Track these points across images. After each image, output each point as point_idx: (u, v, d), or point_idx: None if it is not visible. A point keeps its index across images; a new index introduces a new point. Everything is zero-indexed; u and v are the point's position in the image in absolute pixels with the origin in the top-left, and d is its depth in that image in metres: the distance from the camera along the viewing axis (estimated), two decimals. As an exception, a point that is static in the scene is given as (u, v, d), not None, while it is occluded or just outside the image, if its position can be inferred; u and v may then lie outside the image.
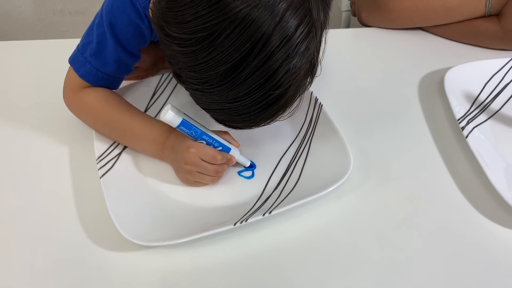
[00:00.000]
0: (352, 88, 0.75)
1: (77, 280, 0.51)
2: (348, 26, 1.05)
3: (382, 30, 0.86)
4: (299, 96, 0.50)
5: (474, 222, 0.57)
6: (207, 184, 0.60)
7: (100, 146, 0.61)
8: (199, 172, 0.58)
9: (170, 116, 0.53)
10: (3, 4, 1.39)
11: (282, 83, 0.45)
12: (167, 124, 0.55)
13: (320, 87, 0.68)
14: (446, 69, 0.73)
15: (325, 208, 0.58)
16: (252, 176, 0.61)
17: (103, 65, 0.60)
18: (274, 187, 0.60)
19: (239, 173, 0.62)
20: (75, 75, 0.61)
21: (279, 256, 0.53)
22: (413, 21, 0.85)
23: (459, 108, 0.68)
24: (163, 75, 0.73)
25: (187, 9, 0.43)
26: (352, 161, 0.58)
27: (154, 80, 0.73)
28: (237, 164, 0.61)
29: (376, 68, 0.79)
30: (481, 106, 0.69)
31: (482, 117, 0.68)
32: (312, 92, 0.68)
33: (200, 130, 0.56)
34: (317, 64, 0.49)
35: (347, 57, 0.83)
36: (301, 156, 0.63)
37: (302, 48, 0.45)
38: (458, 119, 0.65)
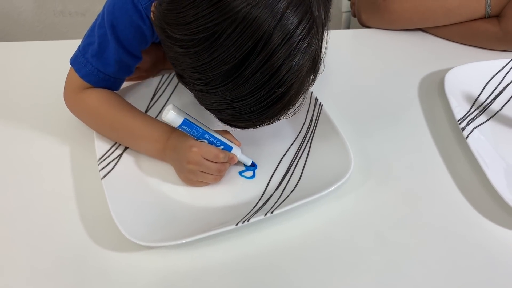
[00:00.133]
0: (352, 88, 0.75)
1: (78, 280, 0.51)
2: (348, 27, 1.05)
3: (382, 31, 0.87)
4: (302, 94, 0.50)
5: (474, 222, 0.57)
6: (209, 183, 0.60)
7: (101, 147, 0.62)
8: (202, 172, 0.58)
9: (172, 115, 0.53)
10: (4, 5, 1.39)
11: (285, 81, 0.45)
12: (168, 125, 0.55)
13: (320, 87, 0.69)
14: (446, 70, 0.73)
15: (325, 208, 0.58)
16: (253, 176, 0.62)
17: (104, 66, 0.60)
18: (275, 187, 0.60)
19: (240, 173, 0.62)
20: (76, 76, 0.61)
21: (280, 256, 0.53)
22: (413, 22, 0.85)
23: (459, 109, 0.68)
24: (163, 76, 0.73)
25: (188, 10, 0.43)
26: (353, 161, 0.58)
27: (154, 81, 0.73)
28: (238, 163, 0.61)
29: (376, 69, 0.79)
30: (481, 107, 0.70)
31: (482, 118, 0.68)
32: (312, 92, 0.68)
33: (202, 129, 0.56)
34: (320, 62, 0.50)
35: (347, 58, 0.83)
36: (302, 156, 0.63)
37: (304, 46, 0.45)
38: (458, 120, 0.66)
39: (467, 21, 0.81)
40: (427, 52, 0.82)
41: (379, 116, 0.70)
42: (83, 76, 0.61)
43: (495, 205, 0.58)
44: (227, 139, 0.59)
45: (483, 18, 0.81)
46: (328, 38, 0.50)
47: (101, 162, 0.60)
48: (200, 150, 0.56)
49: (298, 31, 0.44)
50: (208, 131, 0.57)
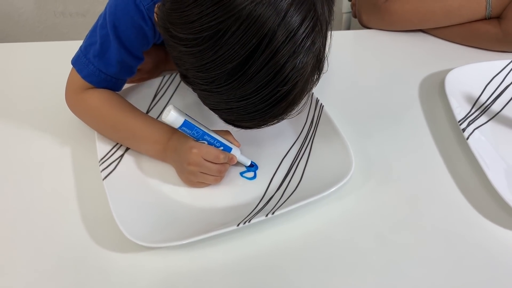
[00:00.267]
0: (353, 89, 0.75)
1: (79, 280, 0.51)
2: (348, 28, 1.06)
3: (383, 32, 0.87)
4: (307, 92, 0.50)
5: (475, 223, 0.57)
6: (210, 184, 0.60)
7: (102, 148, 0.62)
8: (202, 173, 0.58)
9: (172, 117, 0.53)
10: (4, 6, 1.39)
11: (289, 79, 0.45)
12: (169, 126, 0.55)
13: (321, 88, 0.68)
14: (447, 71, 0.73)
15: (326, 209, 0.58)
16: (254, 177, 0.62)
17: (106, 66, 0.60)
18: (276, 188, 0.60)
19: (241, 174, 0.62)
20: (77, 77, 0.61)
21: (281, 257, 0.53)
22: (413, 24, 0.85)
23: (460, 109, 0.68)
24: (164, 76, 0.73)
25: (192, 9, 0.44)
26: (354, 161, 0.59)
27: (155, 82, 0.73)
28: (239, 164, 0.62)
29: (377, 69, 0.80)
30: (481, 108, 0.70)
31: (482, 119, 0.68)
32: (313, 93, 0.68)
33: (202, 130, 0.56)
34: (324, 60, 0.49)
35: (348, 59, 0.83)
36: (303, 157, 0.63)
37: (308, 43, 0.45)
38: (459, 121, 0.66)
39: (467, 22, 0.81)
40: (427, 53, 0.82)
41: (379, 117, 0.70)
42: (84, 77, 0.61)
43: (496, 206, 0.58)
44: (227, 140, 0.59)
45: (484, 19, 0.81)
46: (331, 36, 0.50)
47: (103, 163, 0.60)
48: (200, 151, 0.57)
49: (302, 28, 0.44)
50: (208, 132, 0.57)
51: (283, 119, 0.51)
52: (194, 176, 0.58)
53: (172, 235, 0.52)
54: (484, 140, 0.64)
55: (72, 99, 0.64)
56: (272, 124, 0.52)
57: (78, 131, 0.66)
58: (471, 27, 0.81)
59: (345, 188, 0.60)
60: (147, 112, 0.69)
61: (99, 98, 0.62)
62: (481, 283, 0.51)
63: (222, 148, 0.58)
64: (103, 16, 0.59)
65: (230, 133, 0.60)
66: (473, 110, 0.69)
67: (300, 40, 0.44)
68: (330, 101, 0.67)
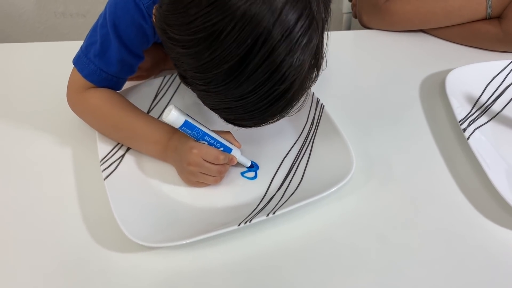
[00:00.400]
0: (354, 90, 0.76)
1: (80, 280, 0.51)
2: (349, 28, 1.06)
3: (383, 32, 0.87)
4: (305, 90, 0.50)
5: (475, 223, 0.57)
6: (209, 184, 0.60)
7: (103, 148, 0.62)
8: (202, 173, 0.58)
9: (172, 117, 0.53)
10: (5, 6, 1.39)
11: (287, 77, 0.45)
12: (170, 125, 0.55)
13: (322, 88, 0.69)
14: (447, 71, 0.73)
15: (326, 209, 0.58)
16: (255, 177, 0.62)
17: (106, 65, 0.60)
18: (277, 188, 0.60)
19: (242, 174, 0.62)
20: (79, 76, 0.61)
21: (281, 257, 0.53)
22: (414, 24, 0.85)
23: (460, 109, 0.68)
24: (165, 76, 0.74)
25: (188, 11, 0.44)
26: (355, 161, 0.59)
27: (156, 82, 0.73)
28: (239, 164, 0.62)
29: (378, 70, 0.80)
30: (482, 108, 0.70)
31: (483, 119, 0.68)
32: (314, 93, 0.68)
33: (202, 131, 0.56)
34: (322, 58, 0.49)
35: (349, 59, 0.83)
36: (304, 157, 0.63)
37: (304, 41, 0.45)
38: (460, 121, 0.66)
39: (468, 23, 0.81)
40: (428, 53, 0.82)
41: (380, 117, 0.70)
42: (85, 76, 0.61)
43: (497, 206, 0.58)
44: (227, 141, 0.59)
45: (484, 19, 0.81)
46: (329, 35, 0.49)
47: (104, 163, 0.60)
48: (200, 151, 0.57)
49: (298, 26, 0.44)
50: (209, 133, 0.57)
51: (282, 117, 0.51)
52: (194, 176, 0.58)
53: (173, 235, 0.52)
54: (484, 140, 0.64)
55: (74, 99, 0.64)
56: (272, 122, 0.52)
57: (79, 131, 0.66)
58: (471, 27, 0.81)
59: (345, 188, 0.60)
60: (148, 112, 0.69)
61: (100, 97, 0.62)
62: (482, 283, 0.51)
63: (222, 148, 0.58)
64: (103, 16, 0.59)
65: (231, 134, 0.60)
66: (473, 110, 0.69)
67: (296, 38, 0.44)
68: (330, 101, 0.67)
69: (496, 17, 0.80)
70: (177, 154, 0.59)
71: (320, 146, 0.64)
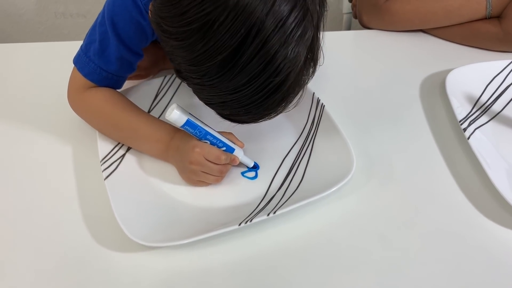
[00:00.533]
0: (354, 90, 0.76)
1: (81, 280, 0.51)
2: (349, 28, 1.06)
3: (384, 32, 0.87)
4: (302, 85, 0.50)
5: (476, 223, 0.57)
6: (210, 184, 0.60)
7: (103, 148, 0.62)
8: (204, 172, 0.58)
9: (175, 115, 0.53)
10: (6, 6, 1.39)
11: (281, 69, 0.45)
12: (171, 125, 0.55)
13: (322, 88, 0.69)
14: (448, 71, 0.73)
15: (326, 209, 0.58)
16: (256, 176, 0.62)
17: (106, 63, 0.60)
18: (277, 187, 0.60)
19: (242, 173, 0.62)
20: (79, 75, 0.61)
21: (282, 257, 0.53)
22: (414, 24, 0.85)
23: (461, 109, 0.68)
24: (165, 76, 0.74)
25: (181, 1, 0.44)
26: (355, 160, 0.59)
27: (156, 81, 0.73)
28: (241, 164, 0.62)
29: (378, 70, 0.80)
30: (482, 108, 0.70)
31: (483, 119, 0.68)
32: (314, 93, 0.68)
33: (205, 130, 0.56)
34: (318, 52, 0.49)
35: (349, 59, 0.83)
36: (304, 156, 0.63)
37: (299, 33, 0.44)
38: (460, 121, 0.66)
39: (468, 22, 0.81)
40: (428, 53, 0.82)
41: (380, 117, 0.70)
42: (86, 75, 0.61)
43: (497, 206, 0.58)
44: (230, 141, 0.59)
45: (484, 19, 0.81)
46: (324, 29, 0.49)
47: (104, 162, 0.60)
48: (202, 150, 0.57)
49: (291, 18, 0.43)
50: (211, 132, 0.57)
51: (279, 112, 0.51)
52: (195, 175, 0.58)
53: (174, 235, 0.52)
54: (485, 140, 0.64)
55: (74, 99, 0.64)
56: (269, 118, 0.52)
57: (79, 131, 0.66)
58: (471, 27, 0.81)
59: (346, 188, 0.60)
60: (149, 112, 0.69)
61: (101, 97, 0.62)
62: (482, 283, 0.51)
63: (224, 148, 0.58)
64: (101, 14, 0.59)
65: (233, 134, 0.60)
66: (474, 110, 0.69)
67: (290, 29, 0.44)
68: (331, 101, 0.67)
69: (496, 17, 0.80)
70: (179, 154, 0.59)
71: (321, 145, 0.64)
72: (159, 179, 0.61)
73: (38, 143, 0.66)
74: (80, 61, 0.61)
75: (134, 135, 0.62)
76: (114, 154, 0.62)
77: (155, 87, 0.72)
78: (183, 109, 0.55)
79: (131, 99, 0.65)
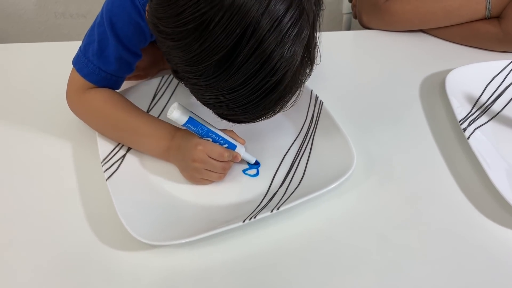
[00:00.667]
0: (354, 90, 0.76)
1: (82, 279, 0.51)
2: (349, 28, 1.06)
3: (383, 33, 0.87)
4: (299, 84, 0.50)
5: (476, 222, 0.57)
6: (213, 181, 0.60)
7: (104, 148, 0.61)
8: (207, 170, 0.58)
9: (177, 113, 0.53)
10: (6, 6, 1.39)
11: (278, 69, 0.45)
12: (172, 125, 0.55)
13: (322, 88, 0.69)
14: (447, 71, 0.73)
15: (326, 207, 0.58)
16: (257, 174, 0.62)
17: (105, 64, 0.60)
18: (279, 184, 0.60)
19: (244, 171, 0.62)
20: (78, 76, 0.61)
21: (282, 255, 0.53)
22: (414, 24, 0.85)
23: (461, 109, 0.68)
24: (163, 77, 0.74)
25: (177, 2, 0.44)
26: (356, 154, 0.59)
27: (154, 81, 0.73)
28: (242, 161, 0.62)
29: (378, 70, 0.80)
30: (482, 108, 0.70)
31: (483, 119, 0.68)
32: (312, 90, 0.68)
33: (206, 127, 0.56)
34: (315, 51, 0.49)
35: (349, 60, 0.83)
36: (304, 153, 0.64)
37: (295, 32, 0.44)
38: (460, 121, 0.66)
39: (467, 22, 0.81)
40: (428, 53, 0.82)
41: (380, 117, 0.70)
42: (85, 76, 0.61)
43: (497, 206, 0.58)
44: (231, 138, 0.59)
45: (484, 19, 0.81)
46: (321, 28, 0.49)
47: (105, 163, 0.60)
48: (205, 148, 0.57)
49: (287, 17, 0.43)
50: (213, 130, 0.57)
51: (277, 112, 0.51)
52: (198, 173, 0.58)
53: (176, 233, 0.52)
54: (485, 140, 0.64)
55: (74, 100, 0.64)
56: (267, 118, 0.52)
57: (79, 131, 0.66)
58: (471, 27, 0.81)
59: (346, 187, 0.60)
60: (147, 112, 0.69)
61: (100, 97, 0.62)
62: (482, 283, 0.51)
63: (226, 145, 0.58)
64: (100, 15, 0.60)
65: (234, 132, 0.60)
66: (473, 110, 0.69)
67: (286, 28, 0.44)
68: (331, 101, 0.67)
69: (496, 17, 0.80)
70: (180, 152, 0.59)
71: (321, 142, 0.64)
72: (161, 178, 0.61)
73: (38, 143, 0.66)
74: (79, 62, 0.61)
75: (134, 135, 0.61)
76: (114, 154, 0.62)
77: (153, 87, 0.72)
78: (184, 108, 0.55)
79: (130, 100, 0.65)
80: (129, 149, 0.63)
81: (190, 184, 0.60)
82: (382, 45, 0.85)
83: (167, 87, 0.73)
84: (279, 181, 0.61)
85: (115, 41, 0.59)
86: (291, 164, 0.63)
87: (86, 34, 0.62)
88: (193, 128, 0.56)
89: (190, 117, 0.54)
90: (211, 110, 0.52)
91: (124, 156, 0.62)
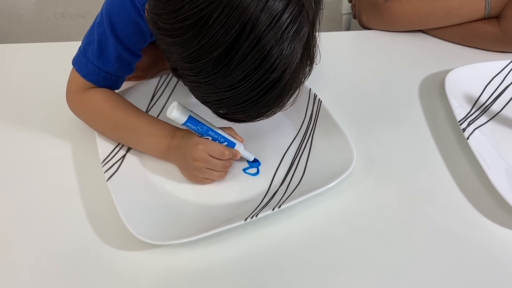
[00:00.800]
0: (353, 90, 0.76)
1: (82, 278, 0.51)
2: (348, 28, 1.06)
3: (383, 33, 0.87)
4: (298, 83, 0.49)
5: (475, 222, 0.57)
6: (215, 180, 0.60)
7: (103, 149, 0.61)
8: (208, 168, 0.58)
9: (177, 113, 0.53)
10: (5, 6, 1.39)
11: (277, 66, 0.45)
12: (171, 124, 0.55)
13: (322, 88, 0.69)
14: (447, 71, 0.73)
15: (325, 206, 0.58)
16: (257, 173, 0.62)
17: (105, 64, 0.61)
18: (280, 182, 0.60)
19: (244, 170, 0.62)
20: (78, 76, 0.61)
21: (282, 254, 0.54)
22: (413, 24, 0.85)
23: (460, 109, 0.68)
24: (161, 77, 0.74)
25: None
26: (355, 151, 0.59)
27: (153, 81, 0.73)
28: (242, 160, 0.62)
29: (377, 70, 0.80)
30: (481, 108, 0.70)
31: (483, 119, 0.68)
32: (310, 88, 0.68)
33: (206, 126, 0.56)
34: (314, 50, 0.49)
35: (348, 60, 0.83)
36: (304, 151, 0.64)
37: (294, 29, 0.44)
38: (459, 121, 0.66)
39: (467, 22, 0.82)
40: (427, 53, 0.82)
41: (380, 117, 0.71)
42: (84, 76, 0.61)
43: (496, 206, 0.58)
44: (231, 136, 0.59)
45: (483, 19, 0.81)
46: (320, 27, 0.49)
47: (105, 163, 0.60)
48: (205, 147, 0.57)
49: (286, 14, 0.43)
50: (212, 128, 0.57)
51: (276, 111, 0.51)
52: (200, 172, 0.58)
53: (178, 233, 0.52)
54: (484, 140, 0.64)
55: (73, 100, 0.64)
56: (267, 117, 0.52)
57: (79, 132, 0.66)
58: (470, 27, 0.81)
59: (345, 186, 0.60)
60: (146, 112, 0.69)
61: (100, 97, 0.62)
62: (481, 283, 0.51)
63: (226, 143, 0.59)
64: (100, 15, 0.60)
65: (233, 129, 0.60)
66: (473, 110, 0.69)
67: (285, 25, 0.43)
68: (330, 101, 0.67)
69: (495, 17, 0.80)
70: (181, 152, 0.59)
71: (320, 140, 0.64)
72: (161, 177, 0.61)
73: (38, 143, 0.66)
74: (79, 62, 0.61)
75: (134, 135, 0.61)
76: (115, 155, 0.62)
77: (152, 87, 0.72)
78: (184, 107, 0.55)
79: (129, 100, 0.65)
80: (129, 149, 0.63)
81: (191, 183, 0.60)
82: (381, 45, 0.85)
83: (165, 87, 0.73)
84: (280, 179, 0.61)
85: (115, 41, 0.59)
86: (291, 162, 0.63)
87: (85, 34, 0.62)
88: (193, 126, 0.56)
89: (189, 115, 0.54)
90: (210, 110, 0.52)
91: (124, 156, 0.62)
